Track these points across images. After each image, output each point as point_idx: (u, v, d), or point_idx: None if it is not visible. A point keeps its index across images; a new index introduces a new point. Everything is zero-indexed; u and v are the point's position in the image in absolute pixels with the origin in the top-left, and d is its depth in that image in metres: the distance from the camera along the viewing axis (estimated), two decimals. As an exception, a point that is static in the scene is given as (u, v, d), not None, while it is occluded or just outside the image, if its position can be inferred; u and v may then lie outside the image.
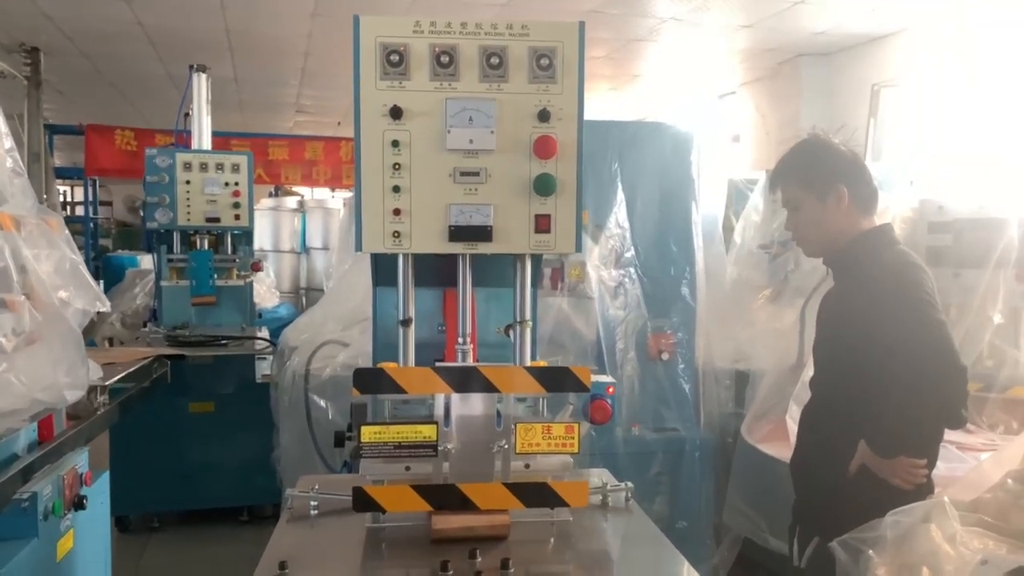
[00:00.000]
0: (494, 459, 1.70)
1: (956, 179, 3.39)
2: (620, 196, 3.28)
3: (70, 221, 9.09)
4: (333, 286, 5.38)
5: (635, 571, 1.73)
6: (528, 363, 1.73)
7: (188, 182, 4.82)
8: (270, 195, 10.04)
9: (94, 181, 9.84)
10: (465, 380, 1.64)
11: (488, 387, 1.63)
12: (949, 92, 5.16)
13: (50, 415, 2.59)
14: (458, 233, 1.61)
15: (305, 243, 9.12)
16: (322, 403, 3.24)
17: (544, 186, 1.60)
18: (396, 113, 1.58)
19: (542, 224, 1.63)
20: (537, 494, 1.67)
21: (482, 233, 1.61)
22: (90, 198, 9.83)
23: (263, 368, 4.99)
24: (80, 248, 2.62)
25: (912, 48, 5.92)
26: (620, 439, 3.35)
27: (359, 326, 3.78)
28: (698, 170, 3.41)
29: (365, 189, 1.60)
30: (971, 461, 2.51)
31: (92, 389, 2.96)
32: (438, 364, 1.68)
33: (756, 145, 7.91)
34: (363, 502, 1.64)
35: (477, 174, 1.61)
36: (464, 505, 1.65)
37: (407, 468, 1.68)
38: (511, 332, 1.81)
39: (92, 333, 6.91)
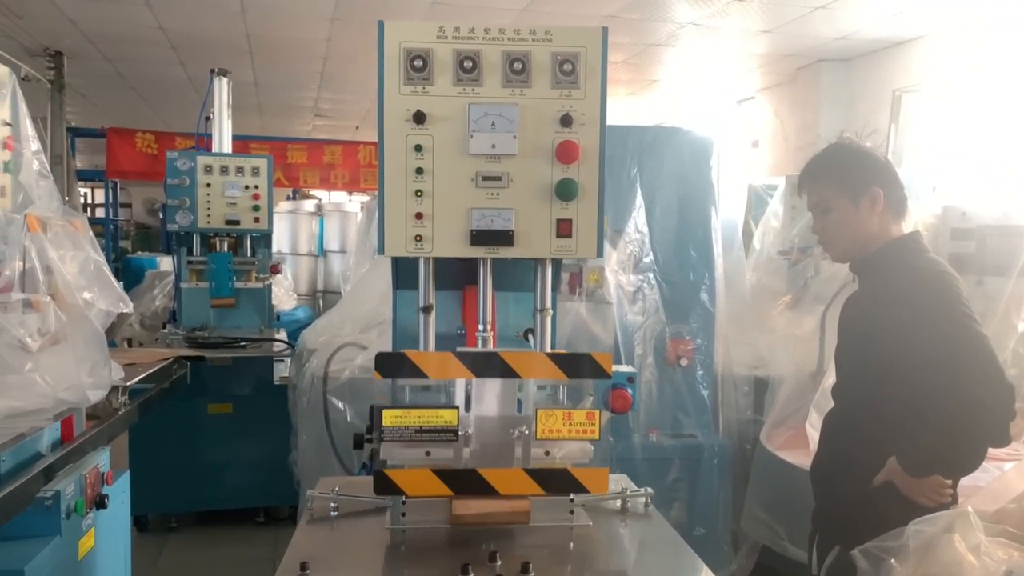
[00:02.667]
0: (514, 445, 1.69)
1: (979, 185, 3.36)
2: (639, 201, 3.28)
3: (91, 223, 9.18)
4: (350, 289, 5.41)
5: (655, 576, 1.73)
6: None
7: (208, 185, 4.86)
8: (288, 198, 10.11)
9: (115, 183, 9.95)
10: (485, 365, 1.63)
11: (508, 372, 1.63)
12: (971, 97, 5.12)
13: (71, 415, 2.63)
14: (480, 237, 1.62)
15: (322, 246, 9.16)
16: (340, 405, 3.26)
17: (566, 191, 1.61)
18: (419, 118, 1.59)
19: (563, 229, 1.63)
20: (557, 480, 1.66)
21: (504, 237, 1.62)
22: (111, 200, 9.94)
23: (281, 370, 5.04)
24: (100, 249, 2.64)
25: (933, 53, 5.88)
26: (638, 445, 3.34)
27: (376, 329, 3.79)
28: (718, 175, 3.40)
29: (388, 193, 1.61)
30: (994, 471, 2.48)
31: (113, 389, 3.00)
32: (459, 350, 1.67)
33: (774, 151, 7.89)
34: (384, 485, 1.64)
35: (499, 178, 1.61)
36: (484, 490, 1.64)
37: (427, 454, 1.67)
38: (530, 336, 1.82)
39: (112, 334, 6.99)
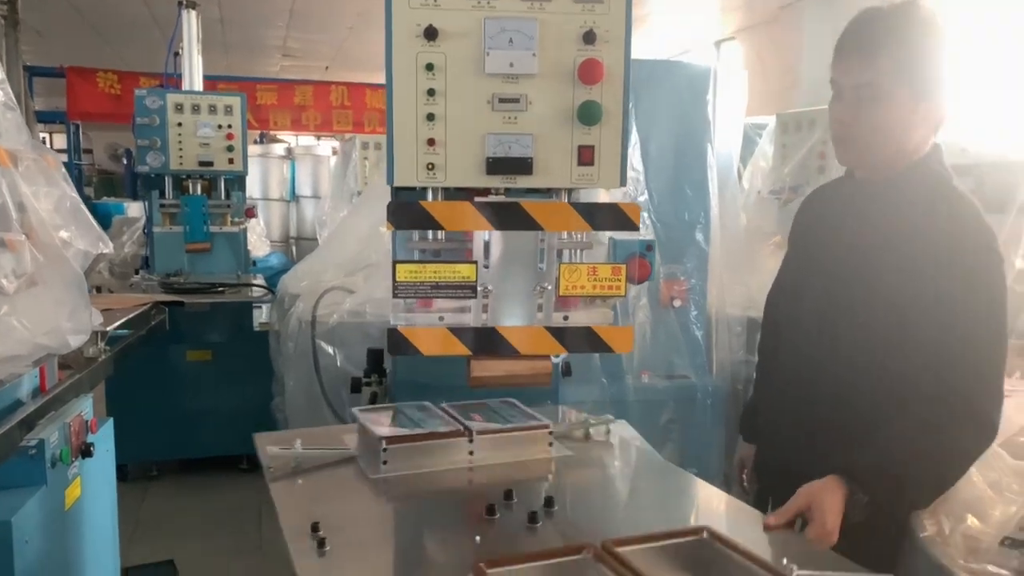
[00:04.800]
0: (535, 302, 1.60)
1: (978, 121, 3.31)
2: (634, 138, 3.18)
3: (52, 168, 8.84)
4: (330, 234, 5.28)
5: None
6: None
7: (180, 124, 4.68)
8: (255, 142, 9.81)
9: (76, 127, 9.58)
10: (506, 216, 1.52)
11: (530, 224, 1.53)
12: (964, 36, 5.04)
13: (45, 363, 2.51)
14: (496, 166, 1.52)
15: (294, 191, 8.95)
16: (330, 350, 3.17)
17: (589, 114, 1.50)
18: (431, 34, 1.47)
19: (585, 156, 1.53)
20: (580, 339, 1.58)
21: (522, 166, 1.52)
22: (73, 145, 9.57)
23: (259, 316, 4.93)
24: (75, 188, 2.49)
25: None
26: (630, 387, 3.31)
27: (362, 273, 3.70)
28: (714, 111, 3.31)
29: (397, 117, 1.50)
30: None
31: (93, 335, 2.88)
32: (478, 199, 1.55)
33: (753, 93, 7.79)
34: (397, 344, 1.54)
35: (517, 101, 1.51)
36: (504, 349, 1.56)
37: (440, 319, 1.58)
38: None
39: (80, 282, 6.78)
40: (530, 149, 1.52)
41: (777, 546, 1.46)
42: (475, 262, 1.55)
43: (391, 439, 1.77)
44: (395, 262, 1.54)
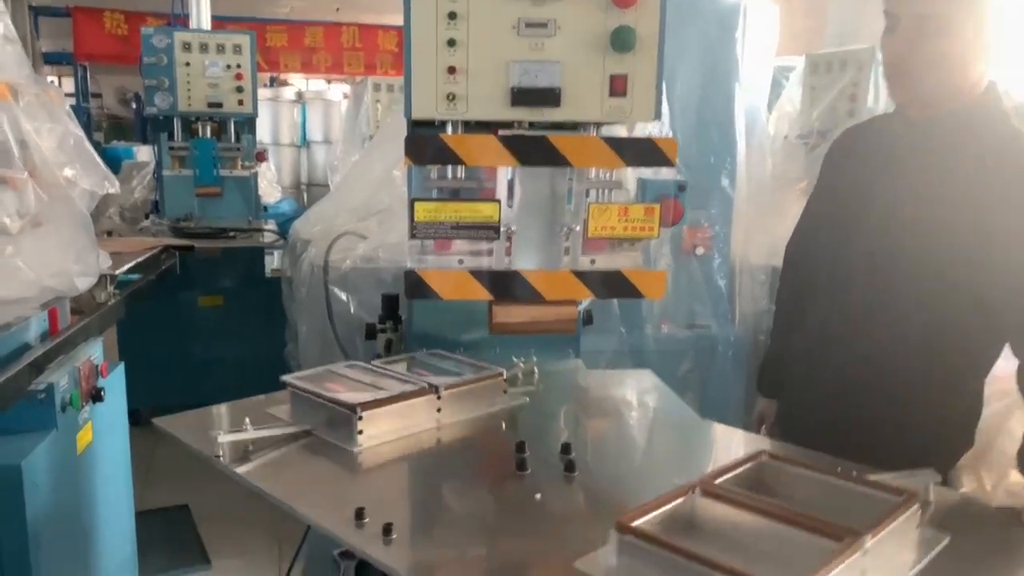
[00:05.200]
0: (561, 245, 1.52)
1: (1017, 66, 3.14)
2: (660, 77, 3.04)
3: (60, 111, 8.74)
4: (342, 178, 5.18)
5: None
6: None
7: (188, 64, 4.56)
8: (265, 86, 9.64)
9: (83, 69, 9.42)
10: (532, 150, 1.43)
11: (558, 159, 1.43)
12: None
13: (57, 305, 2.46)
14: (521, 96, 1.42)
15: (305, 136, 8.81)
16: (343, 296, 3.10)
17: (622, 40, 1.39)
18: (452, -48, 1.37)
19: (618, 86, 1.43)
20: (609, 284, 1.49)
21: (549, 96, 1.42)
22: (80, 87, 9.43)
23: (271, 263, 4.88)
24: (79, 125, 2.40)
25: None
26: (650, 337, 3.23)
27: (375, 218, 3.61)
28: (742, 49, 3.16)
29: (416, 43, 1.40)
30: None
31: (102, 278, 2.82)
32: (502, 133, 1.45)
33: (779, 34, 7.53)
34: (416, 287, 1.46)
35: (545, 25, 1.40)
36: (528, 295, 1.47)
37: (460, 262, 1.50)
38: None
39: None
40: (558, 78, 1.42)
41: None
42: (498, 201, 1.46)
43: (365, 405, 1.56)
44: (412, 200, 1.45)
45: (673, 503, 1.16)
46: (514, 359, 1.87)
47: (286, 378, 1.67)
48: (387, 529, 1.23)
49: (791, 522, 1.09)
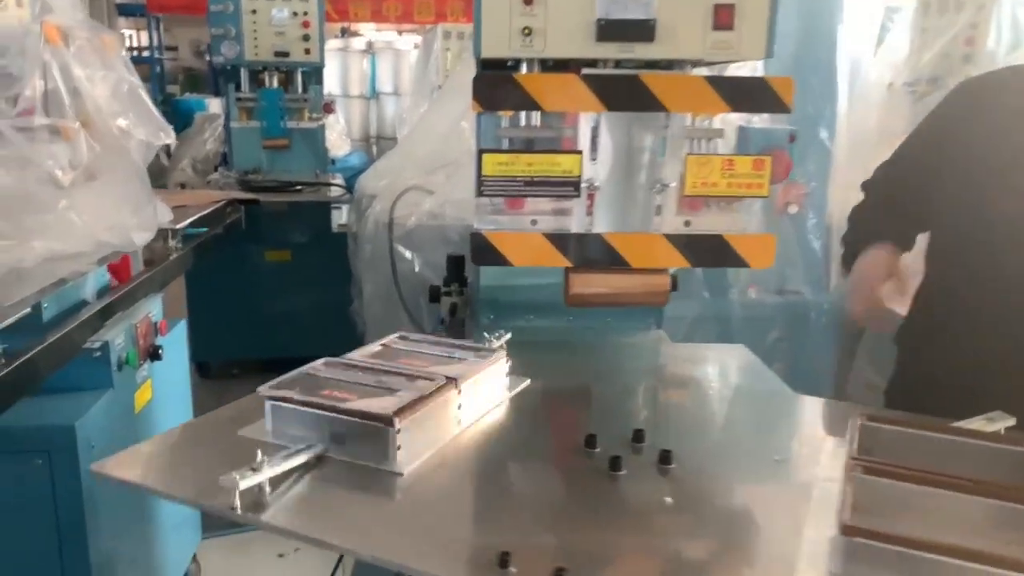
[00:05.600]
0: (653, 204, 1.32)
1: None
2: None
3: (135, 63, 8.84)
4: (409, 131, 5.02)
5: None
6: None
7: (254, 12, 4.44)
8: (336, 37, 9.52)
9: (157, 20, 9.46)
10: (621, 92, 1.22)
11: (651, 103, 1.22)
12: None
13: (125, 259, 2.39)
14: (609, 30, 1.21)
15: (375, 88, 8.67)
16: (407, 254, 2.96)
17: (731, -38, 1.18)
18: None
19: (723, 17, 1.21)
20: (708, 250, 1.29)
21: (642, 30, 1.21)
22: (155, 41, 9.49)
23: (338, 218, 4.79)
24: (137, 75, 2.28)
25: None
26: (736, 302, 3.01)
27: (443, 171, 3.44)
28: (847, -15, 2.85)
29: (487, -33, 1.21)
30: None
31: (163, 233, 2.75)
32: (586, 71, 1.25)
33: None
34: (483, 252, 1.28)
35: (639, -55, 1.19)
36: (612, 261, 1.28)
37: (533, 223, 1.31)
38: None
39: (163, 179, 6.79)
40: (652, 8, 1.20)
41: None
42: (579, 152, 1.27)
43: (400, 413, 1.19)
44: (480, 151, 1.27)
45: (850, 487, 1.00)
46: (485, 335, 1.49)
47: (263, 391, 1.27)
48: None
49: (971, 491, 0.99)
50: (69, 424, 1.85)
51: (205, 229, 3.33)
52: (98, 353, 2.03)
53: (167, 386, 2.47)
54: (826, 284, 3.03)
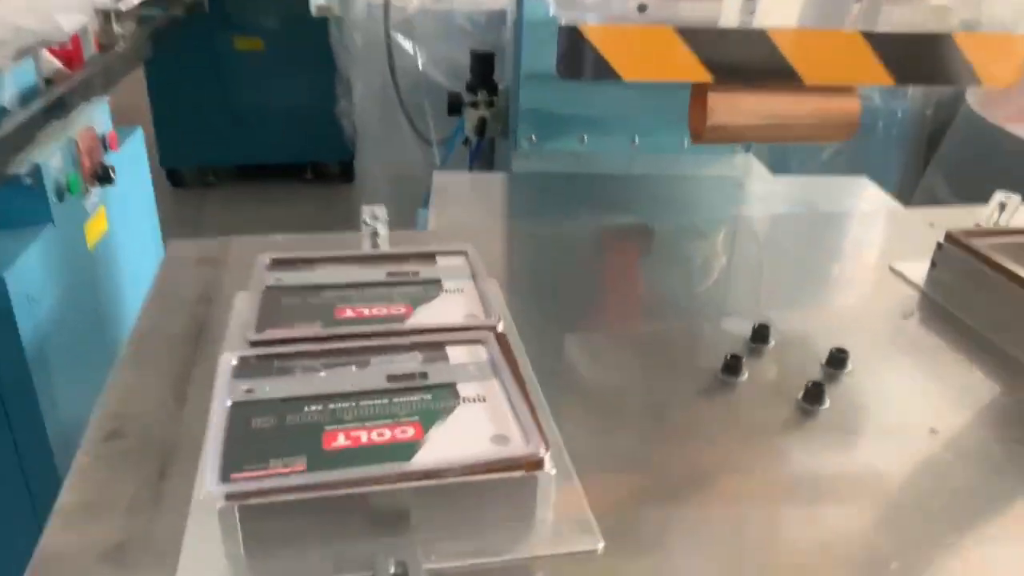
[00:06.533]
0: None
1: None
2: None
3: None
4: None
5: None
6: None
7: None
8: None
9: None
10: None
11: None
12: None
13: (69, 52, 1.89)
14: None
15: None
16: (408, 47, 2.41)
17: None
18: None
19: None
20: (925, 56, 0.84)
21: None
22: None
23: (318, -1, 4.13)
24: None
25: None
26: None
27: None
28: None
29: None
30: None
31: (106, 16, 2.21)
32: None
33: None
34: (575, 58, 0.80)
35: None
36: (775, 72, 0.84)
37: (642, 8, 0.81)
38: None
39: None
40: None
41: None
42: None
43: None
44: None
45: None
46: (363, 208, 0.96)
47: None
48: None
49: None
50: (-4, 274, 1.46)
51: (160, 11, 2.76)
52: (29, 180, 1.60)
53: (127, 212, 2.06)
54: (905, 90, 2.57)
